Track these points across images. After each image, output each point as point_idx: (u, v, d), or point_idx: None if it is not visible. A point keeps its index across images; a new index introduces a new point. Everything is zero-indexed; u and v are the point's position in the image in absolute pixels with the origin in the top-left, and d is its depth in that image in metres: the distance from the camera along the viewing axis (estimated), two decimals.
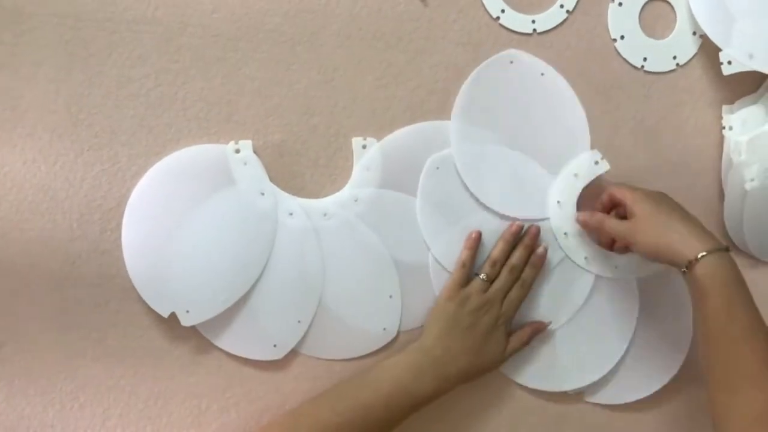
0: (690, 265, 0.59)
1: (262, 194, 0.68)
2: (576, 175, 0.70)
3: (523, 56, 0.70)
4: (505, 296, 0.68)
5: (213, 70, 0.67)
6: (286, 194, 0.68)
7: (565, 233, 0.71)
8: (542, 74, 0.70)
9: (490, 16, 0.70)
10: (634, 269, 0.71)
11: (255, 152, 0.68)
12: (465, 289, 0.67)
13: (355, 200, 0.69)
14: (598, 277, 0.71)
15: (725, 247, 0.60)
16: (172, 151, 0.67)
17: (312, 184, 0.69)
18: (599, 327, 0.72)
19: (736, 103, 0.72)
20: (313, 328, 0.69)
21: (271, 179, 0.68)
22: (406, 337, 0.70)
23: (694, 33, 0.72)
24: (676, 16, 0.72)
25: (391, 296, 0.69)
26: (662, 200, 0.64)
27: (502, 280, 0.68)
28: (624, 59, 0.72)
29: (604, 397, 0.73)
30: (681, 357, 0.73)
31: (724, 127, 0.72)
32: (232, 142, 0.67)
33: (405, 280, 0.69)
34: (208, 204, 0.67)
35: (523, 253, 0.69)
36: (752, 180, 0.70)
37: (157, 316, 0.66)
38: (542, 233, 0.70)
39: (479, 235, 0.69)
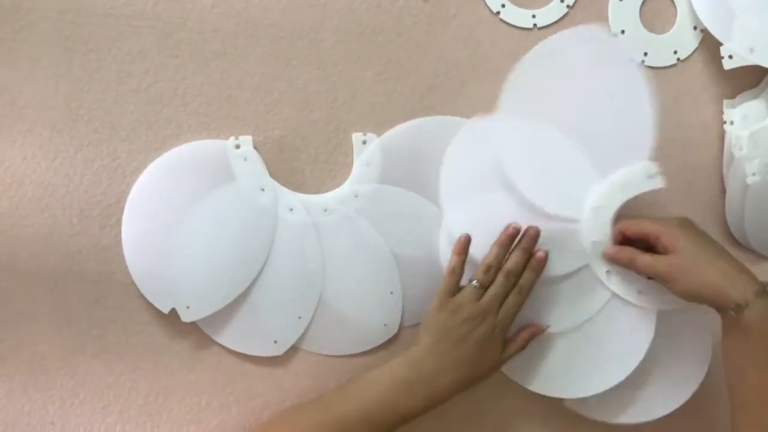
0: (738, 308, 0.57)
1: (262, 190, 0.67)
2: (624, 184, 0.65)
3: (607, 37, 0.67)
4: (500, 303, 0.64)
5: (212, 65, 0.67)
6: (287, 190, 0.68)
7: (593, 241, 0.66)
8: (628, 61, 0.66)
9: (491, 11, 0.70)
10: (658, 301, 0.66)
11: (255, 148, 0.67)
12: (456, 297, 0.63)
13: (356, 196, 0.69)
14: (615, 293, 0.68)
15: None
16: (172, 147, 0.67)
17: (312, 180, 0.69)
18: (607, 343, 0.68)
19: (737, 98, 0.72)
20: (314, 324, 0.69)
21: (272, 175, 0.68)
22: (407, 332, 0.70)
23: (695, 28, 0.71)
24: (676, 11, 0.72)
25: (391, 292, 0.69)
26: (699, 235, 0.61)
27: (498, 287, 0.63)
28: None
29: (602, 413, 0.70)
30: (690, 389, 0.69)
31: (725, 122, 0.72)
32: (232, 138, 0.67)
33: (406, 275, 0.69)
34: (208, 200, 0.67)
35: (520, 256, 0.64)
36: (754, 175, 0.70)
37: (158, 312, 0.66)
38: (569, 237, 0.65)
39: (468, 239, 0.65)
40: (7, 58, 0.65)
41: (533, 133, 0.66)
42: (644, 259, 0.62)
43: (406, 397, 0.61)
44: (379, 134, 0.69)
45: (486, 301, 0.63)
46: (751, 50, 0.69)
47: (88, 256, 0.66)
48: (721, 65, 0.69)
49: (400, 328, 0.70)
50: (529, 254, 0.65)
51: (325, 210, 0.68)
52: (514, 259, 0.64)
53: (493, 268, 0.64)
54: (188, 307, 0.66)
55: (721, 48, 0.69)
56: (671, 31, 0.72)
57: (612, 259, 0.65)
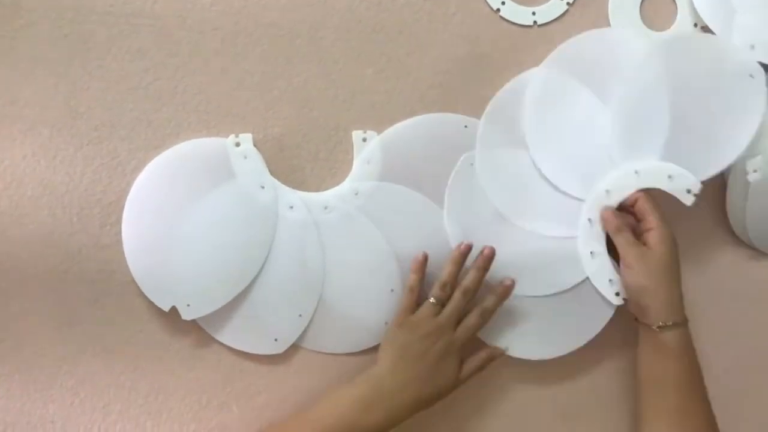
0: (660, 328, 0.63)
1: (263, 188, 0.67)
2: (608, 191, 0.68)
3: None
4: (457, 320, 0.65)
5: (212, 63, 0.67)
6: (287, 188, 0.68)
7: (589, 219, 0.69)
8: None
9: (491, 8, 0.70)
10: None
11: (255, 146, 0.67)
12: (415, 314, 0.65)
13: (356, 193, 0.69)
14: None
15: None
16: (172, 145, 0.67)
17: (312, 178, 0.69)
18: (570, 315, 0.70)
19: None
20: (314, 322, 0.68)
21: (272, 173, 0.68)
22: None
23: (695, 25, 0.71)
24: (676, 8, 0.72)
25: (392, 290, 0.69)
26: (676, 258, 0.65)
27: (455, 303, 0.65)
28: None
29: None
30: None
31: None
32: (232, 136, 0.67)
33: (406, 273, 0.69)
34: (208, 198, 0.67)
35: (476, 275, 0.66)
36: (755, 171, 0.70)
37: (158, 310, 0.66)
38: (568, 254, 0.69)
39: (425, 258, 0.66)
40: (7, 57, 0.65)
41: (515, 165, 0.70)
42: (628, 236, 0.65)
43: (366, 416, 0.62)
44: (379, 132, 0.69)
45: (443, 318, 0.65)
46: (752, 47, 0.68)
47: (88, 255, 0.66)
48: None
49: None
50: (484, 272, 0.66)
51: (326, 208, 0.68)
52: (470, 278, 0.66)
53: (449, 285, 0.66)
54: (188, 305, 0.66)
55: None
56: (671, 28, 0.72)
57: (604, 218, 0.67)
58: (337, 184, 0.69)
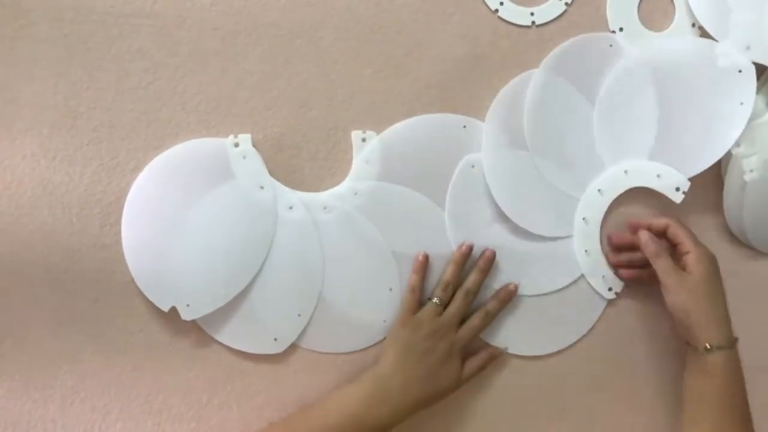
0: (706, 350, 0.63)
1: (262, 188, 0.68)
2: (600, 190, 0.70)
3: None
4: (459, 321, 0.67)
5: (212, 63, 0.67)
6: (286, 188, 0.68)
7: (584, 218, 0.70)
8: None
9: (489, 9, 0.70)
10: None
11: (254, 146, 0.68)
12: (417, 314, 0.66)
13: (355, 193, 0.69)
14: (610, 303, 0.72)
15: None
16: (171, 145, 0.67)
17: (311, 178, 0.69)
18: (562, 314, 0.71)
19: None
20: (314, 321, 0.69)
21: (271, 173, 0.68)
22: None
23: (693, 25, 0.72)
24: (674, 8, 0.72)
25: (391, 289, 0.69)
26: (717, 276, 0.65)
27: (456, 305, 0.66)
28: None
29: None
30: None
31: None
32: (231, 136, 0.67)
33: (405, 272, 0.69)
34: (207, 198, 0.67)
35: (477, 276, 0.67)
36: (752, 171, 0.70)
37: (158, 311, 0.66)
38: (565, 253, 0.70)
39: (426, 258, 0.68)
40: (7, 56, 0.65)
41: (518, 165, 0.70)
42: (667, 261, 0.65)
43: (370, 413, 0.62)
44: (378, 132, 0.69)
45: (446, 318, 0.66)
46: (748, 47, 0.69)
47: (87, 255, 0.66)
48: None
49: None
50: (485, 274, 0.68)
51: (325, 208, 0.68)
52: (472, 279, 0.68)
53: (451, 285, 0.67)
54: (188, 306, 0.66)
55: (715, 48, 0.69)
56: (669, 28, 0.72)
57: (643, 243, 0.67)
58: (337, 184, 0.69)
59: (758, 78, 0.71)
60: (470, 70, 0.70)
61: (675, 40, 0.71)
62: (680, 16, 0.72)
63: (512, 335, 0.71)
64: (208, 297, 0.66)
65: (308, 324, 0.69)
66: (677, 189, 0.69)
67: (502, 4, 0.70)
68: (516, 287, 0.69)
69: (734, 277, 0.74)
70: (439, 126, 0.70)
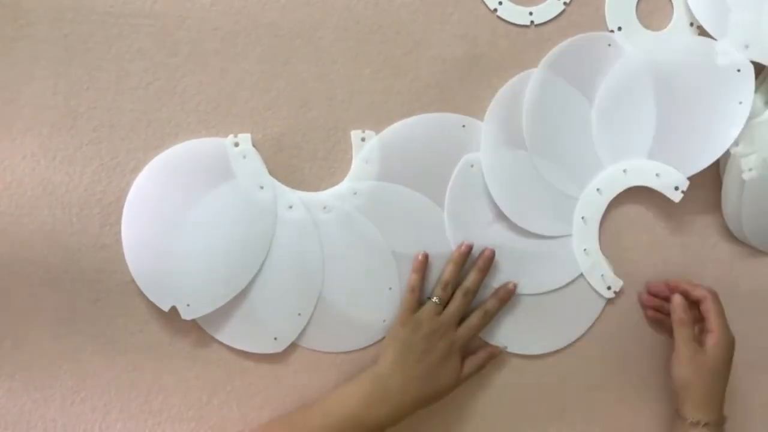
0: (692, 424, 0.65)
1: (262, 188, 0.68)
2: (598, 189, 0.70)
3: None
4: (459, 320, 0.67)
5: (211, 63, 0.67)
6: (286, 187, 0.68)
7: (583, 217, 0.70)
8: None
9: (488, 8, 0.70)
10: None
11: (254, 146, 0.68)
12: (417, 313, 0.66)
13: (354, 193, 0.69)
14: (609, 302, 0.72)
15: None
16: (171, 145, 0.67)
17: (311, 177, 0.69)
18: (560, 313, 0.72)
19: None
20: (313, 320, 0.69)
21: (270, 172, 0.68)
22: None
23: (692, 24, 0.72)
24: (673, 8, 0.72)
25: (390, 288, 0.69)
26: (729, 358, 0.66)
27: (456, 304, 0.67)
28: None
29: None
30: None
31: None
32: (231, 136, 0.68)
33: (404, 272, 0.69)
34: (207, 198, 0.67)
35: (476, 276, 0.68)
36: (750, 170, 0.70)
37: (158, 310, 0.66)
38: (564, 252, 0.70)
39: (426, 258, 0.68)
40: (7, 57, 0.65)
41: (517, 164, 0.70)
42: (688, 332, 0.66)
43: (370, 412, 0.63)
44: (377, 131, 0.69)
45: (445, 317, 0.66)
46: (746, 46, 0.69)
47: (88, 255, 0.67)
48: None
49: None
50: (484, 274, 0.68)
51: (324, 207, 0.69)
52: (471, 279, 0.68)
53: (451, 285, 0.67)
54: (188, 305, 0.66)
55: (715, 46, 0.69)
56: (668, 27, 0.72)
57: (673, 306, 0.67)
58: (336, 183, 0.69)
59: (757, 77, 0.71)
60: (469, 70, 0.70)
61: (674, 40, 0.71)
62: (679, 16, 0.72)
63: (511, 334, 0.71)
64: (208, 296, 0.66)
65: (308, 323, 0.69)
66: (676, 188, 0.69)
67: (500, 3, 0.70)
68: (515, 286, 0.69)
69: (732, 276, 0.74)
70: (438, 125, 0.70)
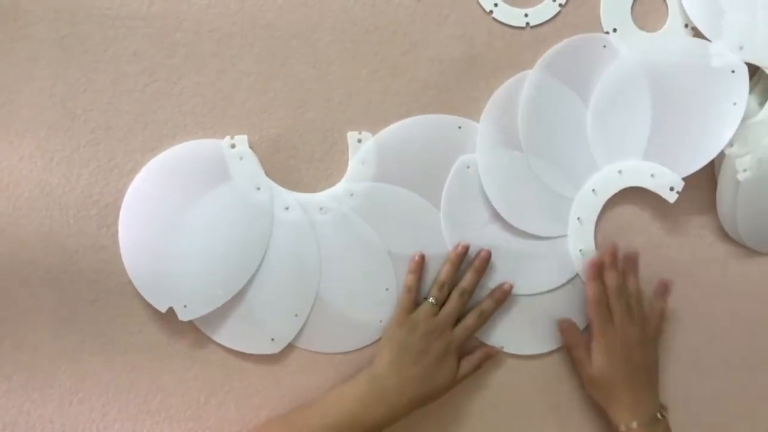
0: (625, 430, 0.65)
1: (258, 189, 0.68)
2: (594, 190, 0.70)
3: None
4: (455, 320, 0.67)
5: (208, 65, 0.68)
6: (282, 189, 0.69)
7: (579, 218, 0.70)
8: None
9: (484, 10, 0.70)
10: None
11: (250, 147, 0.68)
12: (413, 314, 0.67)
13: (351, 194, 0.69)
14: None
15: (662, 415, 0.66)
16: (168, 147, 0.67)
17: (308, 179, 0.69)
18: (555, 313, 0.72)
19: None
20: (310, 321, 0.69)
21: (267, 174, 0.68)
22: None
23: (686, 25, 0.72)
24: (667, 9, 0.72)
25: (387, 289, 0.69)
26: (613, 359, 0.67)
27: (452, 305, 0.67)
28: None
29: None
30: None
31: None
32: (227, 137, 0.68)
33: (401, 272, 0.69)
34: (204, 199, 0.67)
35: (472, 277, 0.68)
36: (745, 171, 0.70)
37: (155, 311, 0.67)
38: (560, 253, 0.70)
39: (422, 258, 0.68)
40: (5, 58, 0.65)
41: (513, 165, 0.70)
42: (581, 353, 0.68)
43: (367, 412, 0.63)
44: (374, 133, 0.70)
45: (442, 318, 0.66)
46: (741, 48, 0.69)
47: (85, 256, 0.67)
48: None
49: None
50: (481, 275, 0.68)
51: (321, 209, 0.69)
52: (467, 279, 0.68)
53: (447, 285, 0.67)
54: (185, 306, 0.66)
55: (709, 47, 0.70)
56: (663, 29, 0.72)
57: (559, 327, 0.70)
58: (333, 185, 0.70)
59: (751, 78, 0.72)
60: (465, 71, 0.70)
61: (668, 41, 0.71)
62: (673, 17, 0.72)
63: (507, 334, 0.71)
64: (205, 298, 0.67)
65: (305, 324, 0.69)
66: (671, 189, 0.70)
67: (496, 5, 0.70)
68: (511, 287, 0.69)
69: (728, 277, 0.74)
70: (434, 127, 0.70)
